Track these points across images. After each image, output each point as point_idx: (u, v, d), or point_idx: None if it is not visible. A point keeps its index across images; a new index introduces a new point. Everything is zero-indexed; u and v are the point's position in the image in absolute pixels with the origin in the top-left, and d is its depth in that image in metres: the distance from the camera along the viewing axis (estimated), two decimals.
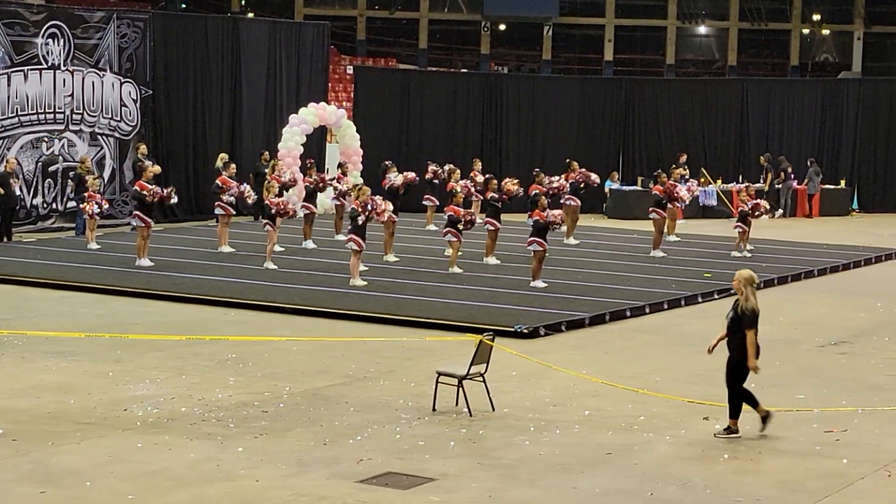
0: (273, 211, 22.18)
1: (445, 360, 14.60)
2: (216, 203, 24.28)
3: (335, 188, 27.02)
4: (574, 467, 11.32)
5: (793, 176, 36.66)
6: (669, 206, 26.43)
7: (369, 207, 20.60)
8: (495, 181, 24.60)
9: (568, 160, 26.96)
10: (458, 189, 24.12)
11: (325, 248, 24.96)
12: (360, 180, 31.15)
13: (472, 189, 26.39)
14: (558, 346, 16.93)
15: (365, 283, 20.52)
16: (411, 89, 36.52)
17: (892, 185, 39.08)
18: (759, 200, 26.27)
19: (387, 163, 26.47)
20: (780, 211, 35.92)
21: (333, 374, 14.78)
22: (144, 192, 22.21)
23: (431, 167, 28.85)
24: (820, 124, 38.78)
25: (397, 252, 23.85)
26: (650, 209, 26.00)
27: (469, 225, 22.33)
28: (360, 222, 20.42)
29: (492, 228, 23.63)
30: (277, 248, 23.32)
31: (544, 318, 18.08)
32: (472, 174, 28.51)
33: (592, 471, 11.24)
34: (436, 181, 28.48)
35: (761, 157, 36.63)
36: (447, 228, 22.35)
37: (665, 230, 26.59)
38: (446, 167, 27.48)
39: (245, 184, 25.05)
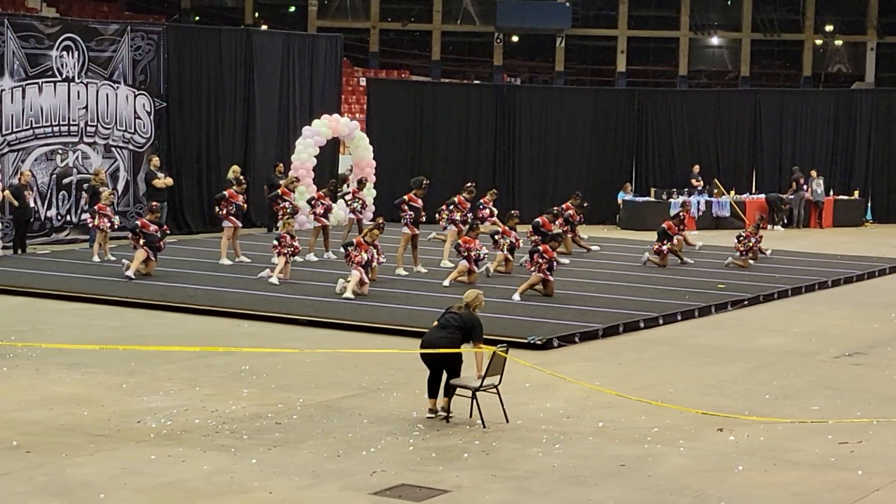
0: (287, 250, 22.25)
1: None
2: (222, 215, 24.32)
3: (346, 202, 27.12)
4: (588, 479, 11.30)
5: (805, 187, 36.63)
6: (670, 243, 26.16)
7: (366, 257, 20.76)
8: (516, 218, 24.38)
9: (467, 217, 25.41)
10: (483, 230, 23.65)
11: (338, 260, 24.93)
12: (374, 189, 31.29)
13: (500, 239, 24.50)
14: (572, 357, 16.91)
15: (352, 297, 20.49)
16: (424, 101, 36.54)
17: None
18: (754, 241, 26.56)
19: (425, 181, 24.91)
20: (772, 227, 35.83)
21: (347, 386, 14.78)
22: (146, 231, 22.37)
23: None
24: (833, 135, 38.70)
25: (407, 263, 23.78)
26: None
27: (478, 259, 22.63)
28: (362, 262, 20.67)
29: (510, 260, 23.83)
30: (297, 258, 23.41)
31: (558, 330, 18.06)
32: (484, 201, 27.15)
33: (606, 483, 11.22)
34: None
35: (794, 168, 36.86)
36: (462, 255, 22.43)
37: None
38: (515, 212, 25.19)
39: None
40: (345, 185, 31.63)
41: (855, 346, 18.32)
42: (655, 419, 13.46)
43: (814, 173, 36.92)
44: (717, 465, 11.84)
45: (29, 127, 27.22)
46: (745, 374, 16.20)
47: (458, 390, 13.14)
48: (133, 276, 21.77)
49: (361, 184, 27.97)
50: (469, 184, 26.04)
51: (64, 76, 27.79)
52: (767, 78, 60.81)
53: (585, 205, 28.94)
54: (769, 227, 33.75)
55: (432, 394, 13.25)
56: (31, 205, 26.13)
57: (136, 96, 29.23)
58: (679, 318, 20.24)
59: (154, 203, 24.46)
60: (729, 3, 61.71)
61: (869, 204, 38.47)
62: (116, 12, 50.93)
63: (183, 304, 19.97)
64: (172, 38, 30.30)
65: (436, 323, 13.61)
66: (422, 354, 13.32)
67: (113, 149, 28.85)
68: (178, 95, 30.33)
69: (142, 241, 22.33)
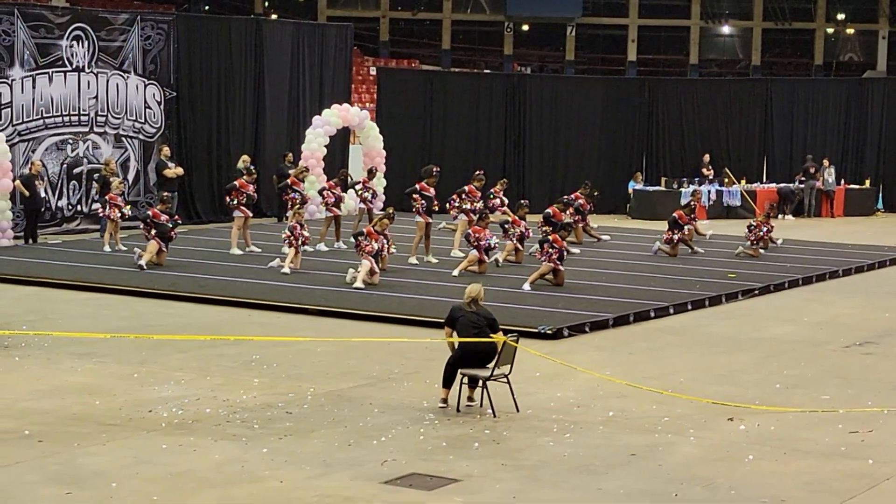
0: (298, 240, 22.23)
1: None
2: (233, 205, 24.31)
3: (357, 192, 27.12)
4: (598, 468, 11.31)
5: (817, 176, 36.54)
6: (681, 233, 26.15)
7: (377, 246, 20.80)
8: (526, 208, 24.34)
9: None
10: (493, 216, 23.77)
11: (349, 250, 24.95)
12: (384, 181, 31.29)
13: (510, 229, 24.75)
14: (582, 346, 16.92)
15: (363, 286, 20.48)
16: (434, 90, 36.51)
17: None
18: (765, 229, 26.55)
19: (435, 170, 24.84)
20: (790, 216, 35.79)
21: (357, 376, 14.79)
22: (157, 221, 22.37)
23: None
24: (844, 124, 38.57)
25: (419, 253, 23.76)
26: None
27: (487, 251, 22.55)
28: (373, 251, 20.73)
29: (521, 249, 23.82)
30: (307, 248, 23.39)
31: (568, 319, 18.06)
32: (494, 191, 26.64)
33: (616, 472, 11.23)
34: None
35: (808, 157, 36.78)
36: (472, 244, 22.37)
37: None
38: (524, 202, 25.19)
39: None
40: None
41: (866, 336, 18.29)
42: (666, 408, 13.46)
43: (825, 162, 36.85)
44: (728, 455, 11.84)
45: (39, 117, 27.25)
46: (755, 364, 16.19)
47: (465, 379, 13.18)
48: (145, 266, 21.81)
49: (372, 173, 27.96)
50: (478, 172, 26.06)
51: (74, 66, 27.80)
52: (778, 67, 60.67)
53: (596, 194, 28.95)
54: (779, 216, 33.73)
55: (448, 384, 13.24)
56: (42, 195, 26.17)
57: (146, 86, 29.25)
58: (689, 307, 20.22)
59: (165, 193, 24.50)
60: None
61: (880, 193, 38.36)
62: (126, 2, 50.96)
63: (193, 293, 20.00)
64: (182, 28, 30.31)
65: (453, 330, 13.38)
66: (471, 348, 13.10)
67: (123, 139, 28.88)
68: (189, 85, 30.34)
69: (153, 232, 22.37)
